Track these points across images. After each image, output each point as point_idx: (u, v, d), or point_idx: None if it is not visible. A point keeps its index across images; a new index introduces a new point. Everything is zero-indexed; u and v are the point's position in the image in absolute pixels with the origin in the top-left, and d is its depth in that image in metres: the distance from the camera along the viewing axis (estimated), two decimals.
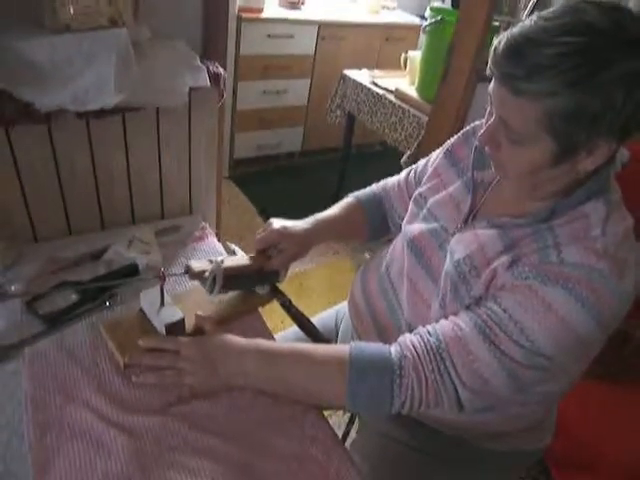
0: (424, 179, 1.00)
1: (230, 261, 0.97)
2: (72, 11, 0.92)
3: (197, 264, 0.94)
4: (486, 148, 0.77)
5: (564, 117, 0.64)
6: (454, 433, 0.91)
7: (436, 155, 1.02)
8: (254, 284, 1.05)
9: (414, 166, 1.09)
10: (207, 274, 0.92)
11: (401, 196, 1.09)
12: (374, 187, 1.17)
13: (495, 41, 0.68)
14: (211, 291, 0.93)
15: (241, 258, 1.01)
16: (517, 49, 0.64)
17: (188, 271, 0.93)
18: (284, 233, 1.00)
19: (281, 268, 1.01)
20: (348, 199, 1.14)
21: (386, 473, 0.98)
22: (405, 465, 0.97)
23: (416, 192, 1.00)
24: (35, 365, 0.85)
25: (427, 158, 1.05)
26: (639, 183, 1.06)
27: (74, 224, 1.21)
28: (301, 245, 1.02)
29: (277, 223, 1.01)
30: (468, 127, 0.96)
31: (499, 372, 0.72)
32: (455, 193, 0.91)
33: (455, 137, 0.98)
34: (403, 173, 1.12)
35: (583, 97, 0.62)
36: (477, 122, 0.94)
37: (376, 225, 1.13)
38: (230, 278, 0.94)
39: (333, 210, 1.11)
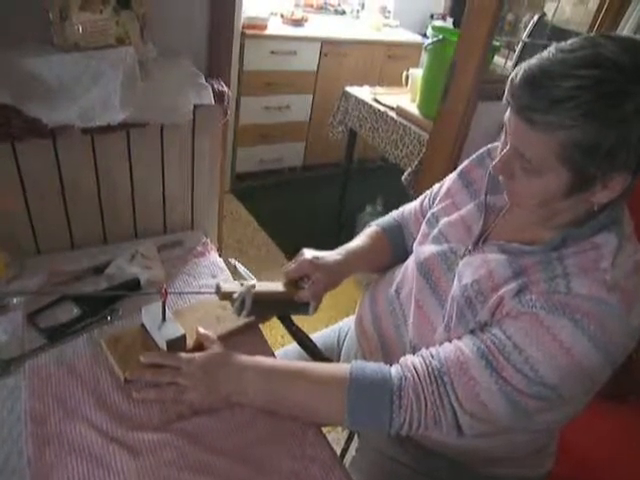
0: (437, 200, 1.00)
1: (262, 286, 0.95)
2: (81, 30, 0.94)
3: (227, 285, 0.94)
4: (500, 177, 0.77)
5: (579, 150, 0.64)
6: (454, 457, 0.91)
7: (450, 177, 1.01)
8: (282, 312, 1.03)
9: (428, 192, 1.08)
10: (236, 296, 0.91)
11: (417, 223, 1.07)
12: (394, 214, 1.15)
13: (512, 73, 0.68)
14: (239, 313, 0.92)
15: (273, 285, 0.99)
16: (534, 81, 0.64)
17: (217, 291, 0.93)
18: (316, 264, 0.98)
19: (312, 299, 0.98)
20: (372, 228, 1.13)
21: None
22: None
23: (429, 213, 0.99)
24: (35, 379, 0.85)
25: (441, 182, 1.04)
26: None
27: (77, 238, 1.22)
28: (333, 276, 0.99)
29: (308, 253, 1.00)
30: (483, 149, 0.96)
31: (499, 398, 0.72)
32: (467, 215, 0.90)
33: (470, 158, 0.98)
34: (419, 199, 1.11)
35: (599, 130, 0.62)
36: (493, 144, 0.93)
37: (399, 253, 1.10)
38: (259, 303, 0.93)
39: (360, 240, 1.09)
